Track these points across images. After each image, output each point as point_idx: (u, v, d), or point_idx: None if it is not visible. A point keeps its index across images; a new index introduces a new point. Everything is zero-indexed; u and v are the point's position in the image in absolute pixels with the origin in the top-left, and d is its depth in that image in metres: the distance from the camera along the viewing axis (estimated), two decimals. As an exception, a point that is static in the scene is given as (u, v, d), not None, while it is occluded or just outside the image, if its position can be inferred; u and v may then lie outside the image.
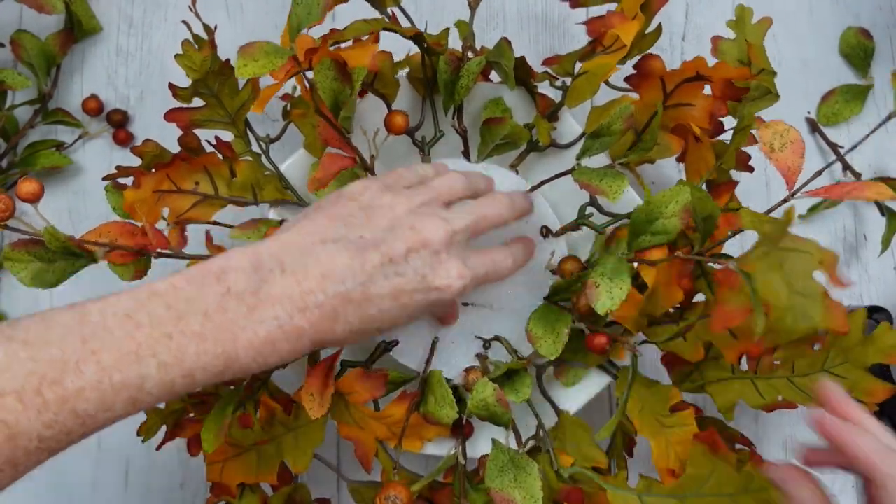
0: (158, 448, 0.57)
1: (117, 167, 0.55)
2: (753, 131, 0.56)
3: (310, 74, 0.51)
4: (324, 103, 0.50)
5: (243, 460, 0.56)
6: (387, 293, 0.44)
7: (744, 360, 0.55)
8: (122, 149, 0.73)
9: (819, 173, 0.46)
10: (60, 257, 0.48)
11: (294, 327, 0.42)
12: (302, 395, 0.51)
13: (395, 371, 0.54)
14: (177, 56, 0.53)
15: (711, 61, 0.53)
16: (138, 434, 0.57)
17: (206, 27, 0.55)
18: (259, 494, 0.58)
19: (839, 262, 0.69)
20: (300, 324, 0.42)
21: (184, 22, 0.56)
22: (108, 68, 0.74)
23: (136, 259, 0.52)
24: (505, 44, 0.56)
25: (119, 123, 0.72)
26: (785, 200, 0.46)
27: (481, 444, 0.58)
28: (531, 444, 0.56)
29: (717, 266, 0.45)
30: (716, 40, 0.58)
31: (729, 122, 0.57)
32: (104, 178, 0.55)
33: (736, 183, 0.59)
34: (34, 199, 0.46)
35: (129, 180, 0.56)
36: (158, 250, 0.52)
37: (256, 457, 0.57)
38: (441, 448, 0.57)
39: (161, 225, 0.55)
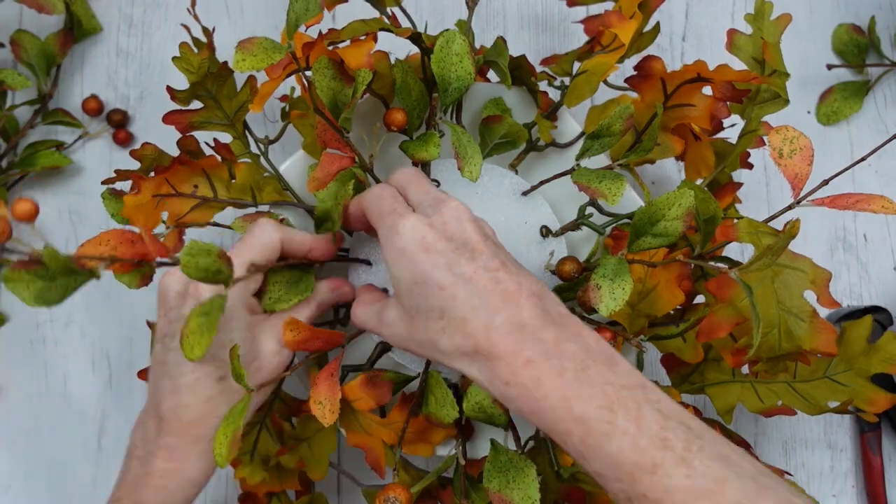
0: None
1: (116, 171, 0.55)
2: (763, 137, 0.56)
3: (309, 74, 0.51)
4: (322, 103, 0.50)
5: (267, 472, 0.58)
6: None
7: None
8: (123, 149, 0.73)
9: (826, 182, 0.46)
10: (61, 275, 0.48)
11: None
12: (311, 404, 0.51)
13: (393, 372, 0.54)
14: (174, 59, 0.53)
15: (713, 60, 0.52)
16: None
17: (204, 29, 0.55)
18: (284, 502, 0.59)
19: (840, 259, 0.69)
20: None
21: (183, 25, 0.56)
22: (109, 68, 0.74)
23: (137, 268, 0.52)
24: (501, 42, 0.56)
25: (119, 123, 0.72)
26: (789, 208, 0.45)
27: (483, 443, 0.58)
28: (531, 444, 0.56)
29: (718, 267, 0.45)
30: (731, 33, 0.57)
31: (728, 120, 0.57)
32: (103, 182, 0.55)
33: (739, 185, 0.59)
34: (30, 219, 0.46)
35: (126, 185, 0.56)
36: (158, 259, 0.52)
37: (277, 468, 0.58)
38: (442, 448, 0.57)
39: (160, 228, 0.55)
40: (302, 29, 0.49)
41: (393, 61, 0.55)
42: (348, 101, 0.50)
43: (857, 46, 0.72)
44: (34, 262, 0.47)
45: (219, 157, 0.57)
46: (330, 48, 0.52)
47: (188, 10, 0.54)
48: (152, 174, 0.55)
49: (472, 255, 0.43)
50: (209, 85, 0.55)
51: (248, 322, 0.49)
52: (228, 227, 0.58)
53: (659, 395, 0.41)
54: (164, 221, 0.56)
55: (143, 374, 0.57)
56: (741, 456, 0.39)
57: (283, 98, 0.64)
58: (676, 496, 0.37)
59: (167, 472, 0.48)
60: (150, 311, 0.69)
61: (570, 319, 0.43)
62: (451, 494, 0.56)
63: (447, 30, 0.53)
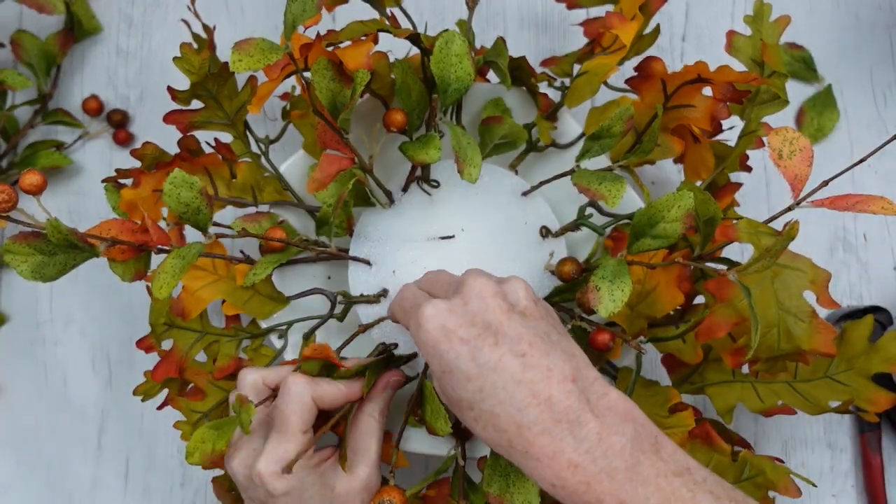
0: (160, 408, 0.58)
1: (117, 170, 0.55)
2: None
3: (308, 75, 0.51)
4: (321, 104, 0.50)
5: None
6: None
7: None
8: (123, 149, 0.73)
9: (826, 183, 0.46)
10: (61, 250, 0.48)
11: None
12: None
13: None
14: (175, 59, 0.53)
15: (713, 61, 0.53)
16: (135, 394, 0.57)
17: (205, 27, 0.55)
18: None
19: (840, 259, 0.69)
20: None
21: (183, 21, 0.56)
22: (109, 68, 0.74)
23: (136, 256, 0.52)
24: (501, 43, 0.56)
25: (119, 123, 0.72)
26: (789, 209, 0.45)
27: (481, 443, 0.58)
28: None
29: (717, 268, 0.45)
30: (730, 35, 0.57)
31: (728, 121, 0.56)
32: (104, 181, 0.55)
33: (738, 186, 0.59)
34: (37, 191, 0.46)
35: (128, 182, 0.56)
36: (159, 246, 0.52)
37: None
38: (441, 448, 0.57)
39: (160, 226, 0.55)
40: (301, 30, 0.49)
41: (392, 62, 0.55)
42: (347, 102, 0.50)
43: (802, 61, 0.72)
44: (35, 235, 0.47)
45: (219, 156, 0.57)
46: (329, 49, 0.52)
47: (188, 7, 0.54)
48: (154, 171, 0.55)
49: (496, 340, 0.41)
50: (210, 85, 0.55)
51: (323, 492, 0.49)
52: (228, 228, 0.58)
53: (705, 473, 0.40)
54: (164, 219, 0.56)
55: (141, 343, 0.57)
56: None
57: (284, 96, 0.64)
58: None
59: None
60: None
61: (610, 401, 0.41)
62: (444, 496, 0.56)
63: (447, 30, 0.53)
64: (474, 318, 0.42)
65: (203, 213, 0.47)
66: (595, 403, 0.40)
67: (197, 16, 0.55)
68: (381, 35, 0.54)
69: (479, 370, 0.40)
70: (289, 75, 0.52)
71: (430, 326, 0.42)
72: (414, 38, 0.54)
